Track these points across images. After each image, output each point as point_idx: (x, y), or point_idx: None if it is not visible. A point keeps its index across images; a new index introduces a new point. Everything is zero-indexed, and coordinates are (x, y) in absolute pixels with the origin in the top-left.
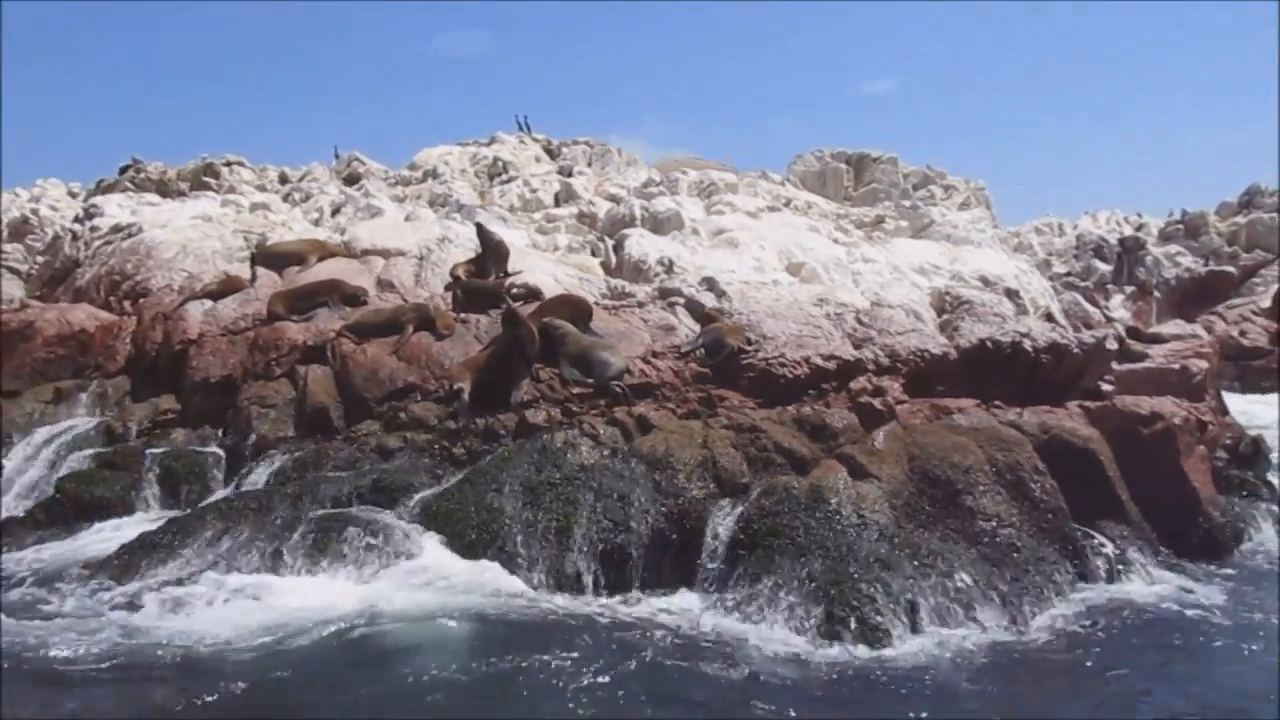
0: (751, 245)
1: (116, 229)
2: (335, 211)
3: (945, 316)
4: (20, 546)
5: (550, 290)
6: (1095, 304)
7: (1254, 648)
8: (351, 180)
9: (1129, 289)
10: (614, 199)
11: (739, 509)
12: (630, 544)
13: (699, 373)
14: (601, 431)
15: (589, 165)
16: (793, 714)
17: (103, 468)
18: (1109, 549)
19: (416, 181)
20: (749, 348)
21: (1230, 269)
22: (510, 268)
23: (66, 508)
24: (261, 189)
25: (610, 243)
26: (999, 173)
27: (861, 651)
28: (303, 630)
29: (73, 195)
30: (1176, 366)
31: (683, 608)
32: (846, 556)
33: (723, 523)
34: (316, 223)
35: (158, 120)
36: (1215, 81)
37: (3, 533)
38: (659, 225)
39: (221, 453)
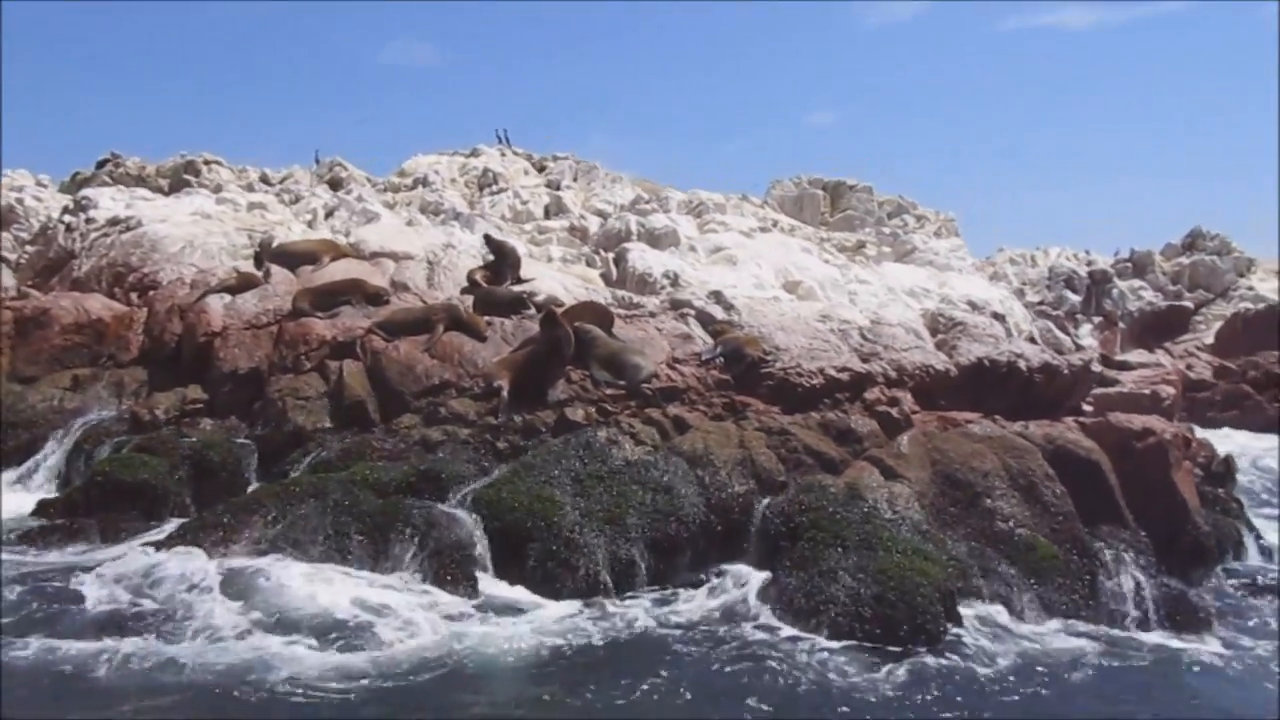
0: (749, 263)
1: (113, 222)
2: (329, 214)
3: (940, 336)
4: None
5: (561, 298)
6: (1066, 332)
7: None
8: (334, 184)
9: (1097, 319)
10: (602, 214)
11: (780, 504)
12: (680, 534)
13: (720, 380)
14: (640, 430)
15: (574, 180)
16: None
17: (138, 453)
18: (1109, 552)
19: (406, 189)
20: (768, 358)
21: (1188, 304)
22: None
23: (107, 491)
24: (249, 189)
25: (610, 256)
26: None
27: (911, 640)
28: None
29: (41, 186)
30: (1147, 391)
31: (735, 595)
32: (890, 549)
33: (766, 516)
34: (310, 224)
35: (98, 118)
36: (1145, 127)
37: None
38: (655, 241)
39: (252, 443)
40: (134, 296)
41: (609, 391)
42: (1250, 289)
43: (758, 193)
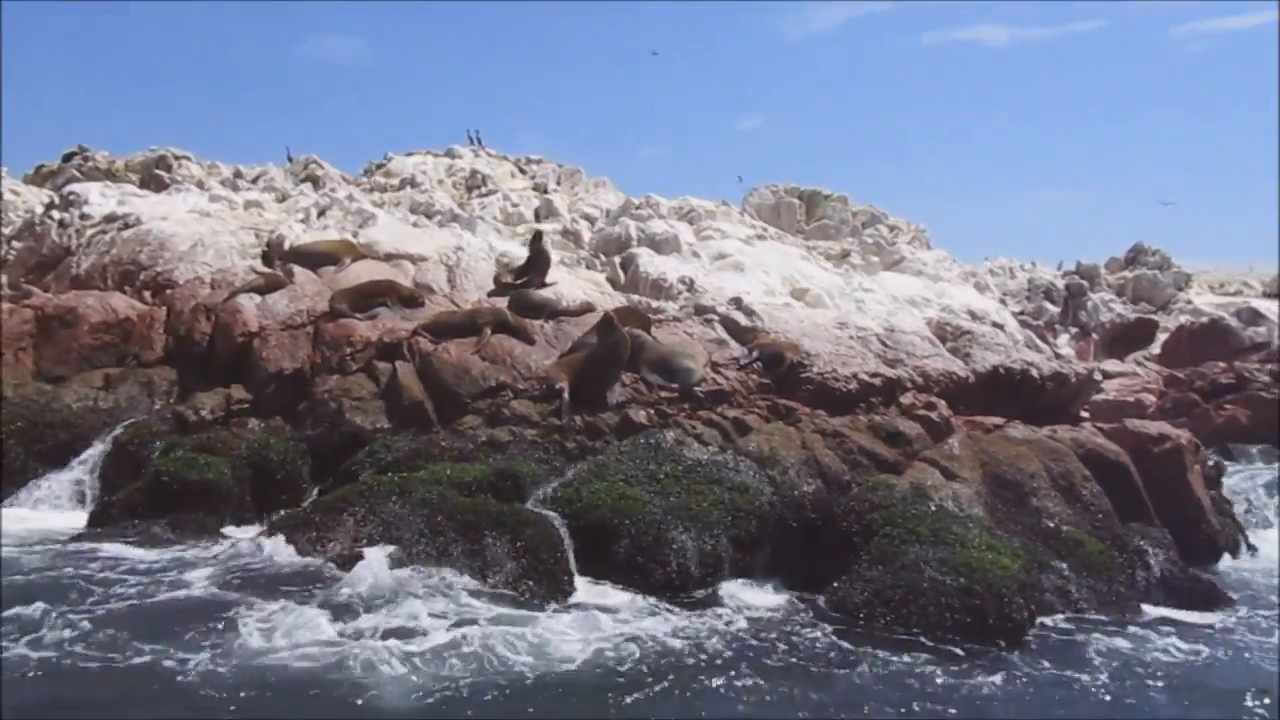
0: (755, 270)
1: (110, 219)
2: (321, 213)
3: (950, 344)
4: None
5: (580, 301)
6: (1046, 341)
7: None
8: (311, 181)
9: (1073, 330)
10: (589, 218)
11: (850, 501)
12: (759, 530)
13: (762, 383)
14: (703, 432)
15: (557, 184)
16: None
17: (198, 453)
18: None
19: (393, 189)
20: (806, 362)
21: (1154, 317)
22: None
23: (172, 491)
24: (234, 187)
25: (617, 260)
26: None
27: (998, 631)
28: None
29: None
30: (1131, 399)
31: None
32: (966, 545)
33: (839, 513)
34: (304, 223)
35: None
36: (1064, 142)
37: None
38: (656, 246)
39: (303, 443)
40: (147, 295)
41: (663, 394)
42: (1189, 303)
43: (700, 194)
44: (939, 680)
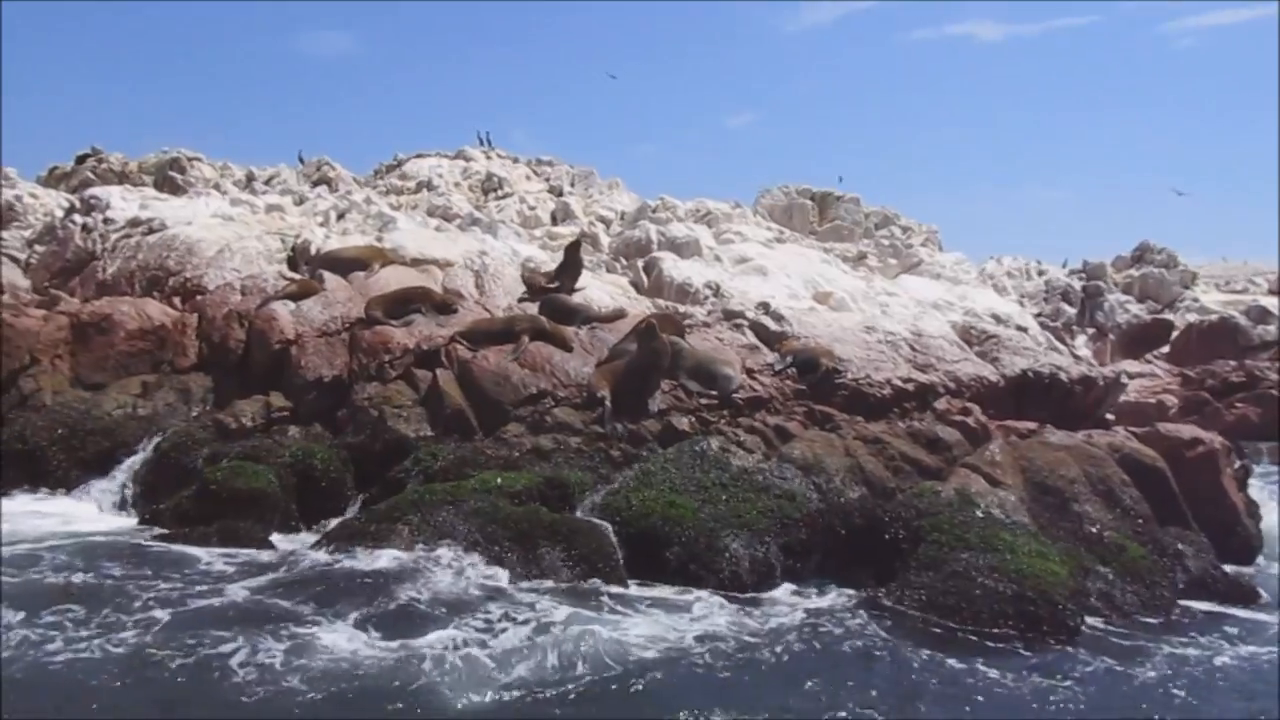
0: (778, 274)
1: (134, 223)
2: (340, 216)
3: (976, 348)
4: None
5: (607, 305)
6: (1064, 343)
7: None
8: (321, 183)
9: (1090, 331)
10: (605, 220)
11: (895, 508)
12: (809, 537)
13: (797, 389)
14: (745, 439)
15: (571, 186)
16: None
17: (245, 461)
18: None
19: (409, 191)
20: (841, 368)
21: (1170, 317)
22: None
23: (222, 500)
24: (251, 189)
25: (640, 264)
26: None
27: (1052, 636)
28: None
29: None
30: (1153, 400)
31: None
32: (1015, 551)
33: (886, 520)
34: (324, 226)
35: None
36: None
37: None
38: (678, 250)
39: (344, 450)
40: (177, 301)
41: (702, 401)
42: (1195, 300)
43: (691, 189)
44: (998, 676)
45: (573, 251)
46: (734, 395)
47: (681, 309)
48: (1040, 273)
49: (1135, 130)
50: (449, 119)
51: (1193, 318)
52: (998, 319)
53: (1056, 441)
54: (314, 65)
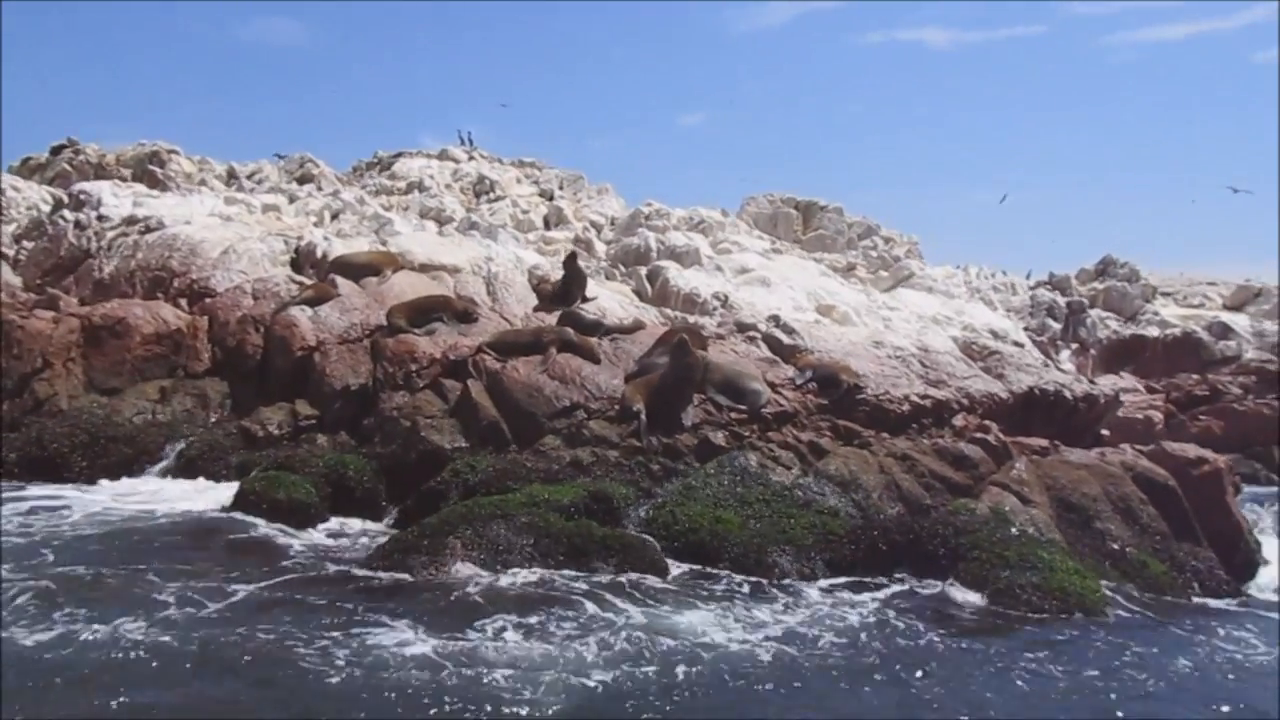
0: (781, 285)
1: (130, 221)
2: (334, 216)
3: (980, 364)
4: None
5: (616, 314)
6: (1050, 358)
7: None
8: (304, 180)
9: (1074, 346)
10: (596, 226)
11: (933, 525)
12: (854, 554)
13: (819, 404)
14: (780, 454)
15: (560, 189)
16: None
17: (280, 470)
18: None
19: (399, 192)
20: (862, 383)
21: (1147, 332)
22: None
23: (260, 510)
24: (235, 185)
25: (642, 272)
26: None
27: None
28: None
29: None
30: (1140, 416)
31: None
32: (1054, 569)
33: (924, 538)
34: (319, 226)
35: None
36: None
37: None
38: (677, 259)
39: (373, 460)
40: (183, 303)
41: (732, 415)
42: (1156, 314)
43: (645, 186)
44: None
45: (572, 264)
46: (762, 410)
47: (691, 319)
48: (1030, 288)
49: (1078, 138)
50: (401, 111)
51: (1154, 331)
52: (995, 335)
53: (1076, 460)
54: (262, 54)
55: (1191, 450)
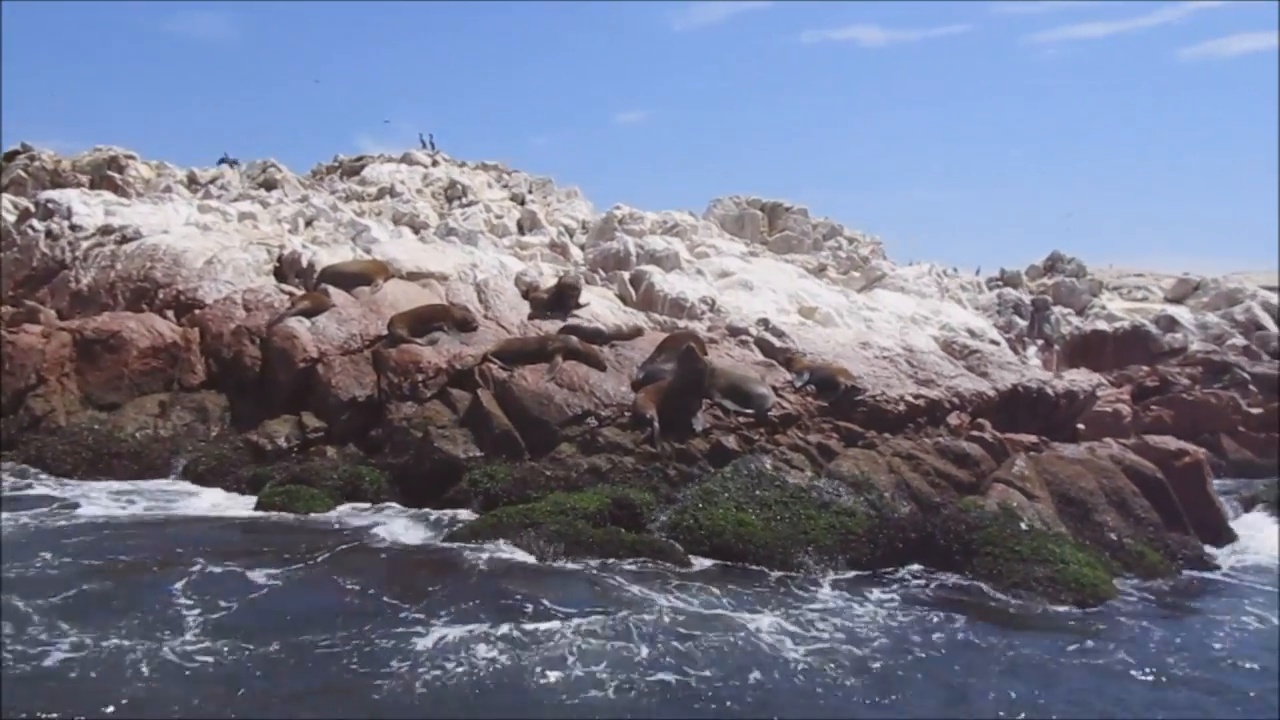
0: (763, 288)
1: (106, 231)
2: (309, 223)
3: (962, 363)
4: None
5: (607, 320)
6: (1018, 354)
7: None
8: (268, 186)
9: (1039, 342)
10: (568, 230)
11: (945, 523)
12: (872, 553)
13: (820, 406)
14: (793, 457)
15: (530, 193)
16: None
17: (295, 484)
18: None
19: (370, 198)
20: (860, 385)
21: (1106, 329)
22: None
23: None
24: (182, 184)
25: (625, 276)
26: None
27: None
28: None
29: None
30: (1110, 410)
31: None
32: (1066, 562)
33: (936, 535)
34: (294, 233)
35: None
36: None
37: None
38: (658, 263)
39: (386, 471)
40: (170, 314)
41: (739, 419)
42: (1103, 308)
43: (582, 182)
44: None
45: (567, 277)
46: (768, 413)
47: (680, 324)
48: (992, 286)
49: (1008, 134)
50: (334, 109)
51: (1102, 324)
52: (972, 333)
53: (1070, 455)
54: (186, 48)
55: (1172, 443)
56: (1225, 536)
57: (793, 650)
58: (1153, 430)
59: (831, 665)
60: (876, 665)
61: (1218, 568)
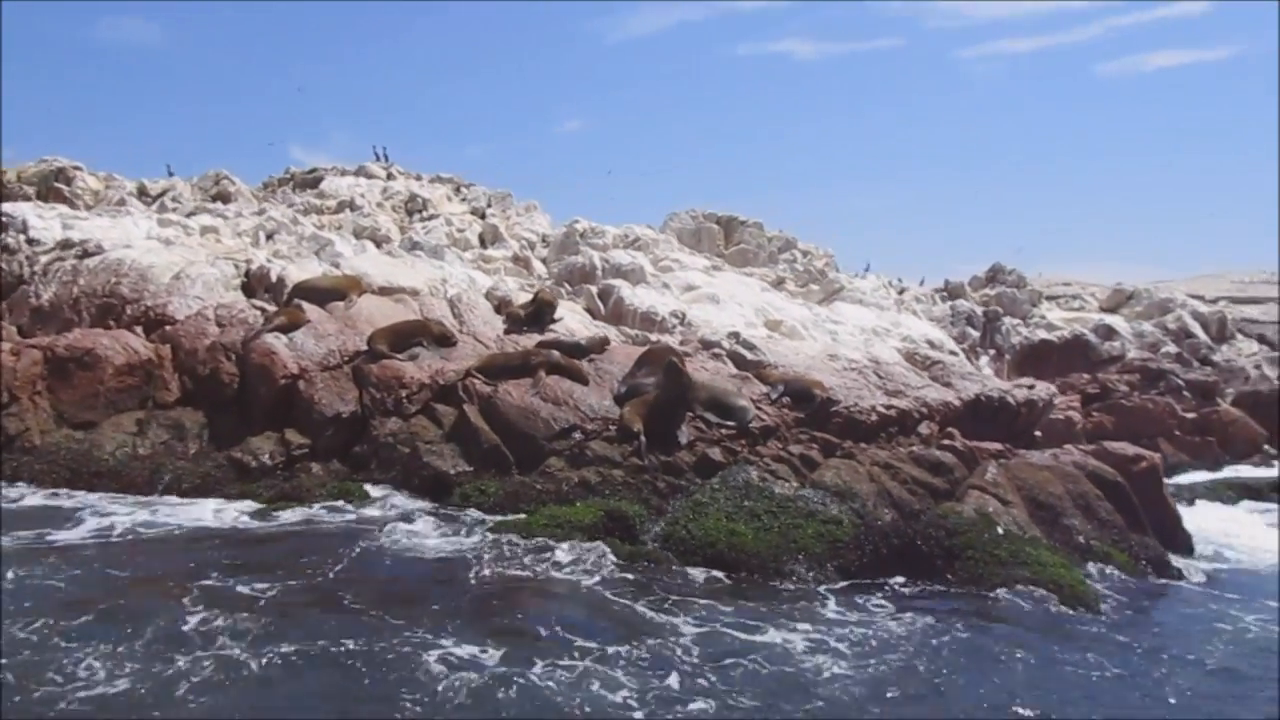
0: (729, 302)
1: (65, 245)
2: (269, 236)
3: (925, 373)
4: None
5: (578, 333)
6: (972, 363)
7: None
8: (222, 198)
9: (991, 352)
10: (529, 243)
11: (925, 529)
12: (859, 560)
13: (796, 417)
14: (776, 467)
15: (488, 206)
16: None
17: (283, 500)
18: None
19: (330, 211)
20: (834, 396)
21: (1052, 338)
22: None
23: None
24: (143, 197)
25: (593, 290)
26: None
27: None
28: None
29: None
30: (1061, 417)
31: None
32: (1044, 564)
33: (917, 542)
34: (256, 247)
35: None
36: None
37: None
38: (624, 277)
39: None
40: (138, 330)
41: (723, 431)
42: (1043, 317)
43: (524, 193)
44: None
45: (543, 293)
46: (749, 425)
47: (653, 338)
48: (942, 297)
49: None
50: (266, 118)
51: (1042, 334)
52: (932, 344)
53: (1037, 462)
54: (115, 55)
55: (1129, 448)
56: (1181, 536)
57: (835, 667)
58: (1096, 436)
59: (875, 680)
60: (920, 677)
61: (1176, 568)
